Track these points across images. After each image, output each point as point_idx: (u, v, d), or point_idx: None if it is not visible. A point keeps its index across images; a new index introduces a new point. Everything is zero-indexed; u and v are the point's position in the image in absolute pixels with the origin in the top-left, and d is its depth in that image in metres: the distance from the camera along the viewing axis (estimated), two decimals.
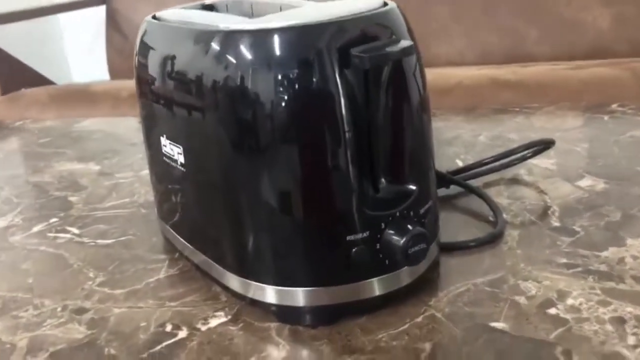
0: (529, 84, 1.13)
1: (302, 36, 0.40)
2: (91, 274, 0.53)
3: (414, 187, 0.43)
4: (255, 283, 0.43)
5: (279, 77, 0.39)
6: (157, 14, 0.51)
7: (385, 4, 0.44)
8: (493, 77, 1.19)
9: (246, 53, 0.40)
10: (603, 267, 0.47)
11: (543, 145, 0.63)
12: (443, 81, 1.22)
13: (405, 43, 0.41)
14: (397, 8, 0.44)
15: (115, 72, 1.89)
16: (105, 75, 1.95)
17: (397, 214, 0.42)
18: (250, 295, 0.44)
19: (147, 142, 0.53)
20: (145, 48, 0.50)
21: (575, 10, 1.56)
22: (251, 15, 0.50)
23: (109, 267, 0.53)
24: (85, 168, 0.79)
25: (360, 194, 0.41)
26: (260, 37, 0.40)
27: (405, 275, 0.43)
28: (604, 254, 0.48)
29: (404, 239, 0.41)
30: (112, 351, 0.42)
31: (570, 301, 0.43)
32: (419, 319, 0.43)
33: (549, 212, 0.56)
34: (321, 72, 0.39)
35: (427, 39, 1.64)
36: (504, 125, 0.81)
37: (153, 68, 0.48)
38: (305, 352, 0.41)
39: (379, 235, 0.41)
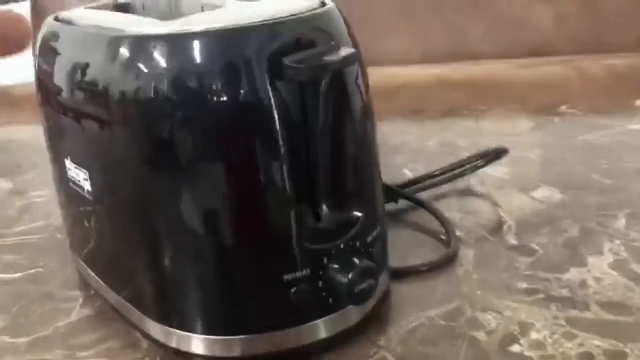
0: (475, 84, 1.10)
1: (225, 42, 0.34)
2: None
3: (359, 214, 0.38)
4: (178, 331, 0.37)
5: (198, 89, 0.33)
6: (61, 15, 0.44)
7: (323, 4, 0.39)
8: (439, 77, 1.16)
9: (160, 61, 0.34)
10: (565, 292, 0.43)
11: (495, 154, 0.59)
12: (387, 82, 1.17)
13: (346, 51, 0.35)
14: (336, 9, 0.39)
15: None
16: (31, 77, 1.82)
17: (341, 245, 0.37)
18: (173, 344, 0.38)
19: (52, 160, 0.46)
20: (46, 53, 0.43)
21: (518, 8, 1.55)
22: (169, 16, 0.43)
23: (12, 309, 0.46)
24: None
25: (299, 224, 0.35)
26: (176, 43, 0.34)
27: (353, 313, 0.38)
28: (566, 276, 0.45)
29: (349, 276, 0.35)
30: None
31: (533, 335, 0.39)
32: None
33: (505, 227, 0.52)
34: (248, 83, 0.34)
35: (372, 37, 1.60)
36: (453, 130, 0.77)
37: (54, 76, 0.41)
38: None
39: (321, 272, 0.36)
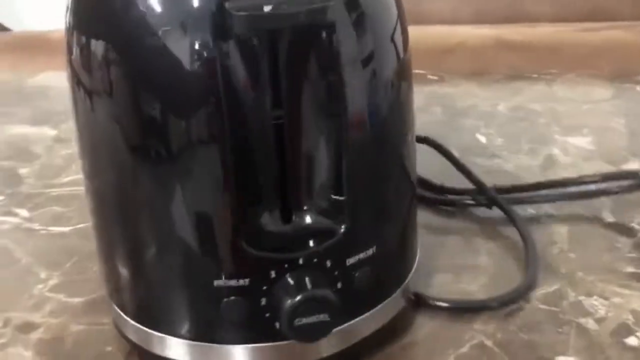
0: (538, 47, 1.04)
1: None
2: (42, 274, 0.42)
3: (341, 226, 0.29)
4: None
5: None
6: None
7: None
8: (497, 37, 1.09)
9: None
10: None
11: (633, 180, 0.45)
12: (443, 40, 1.11)
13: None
14: None
15: None
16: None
17: (300, 260, 0.28)
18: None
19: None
20: None
21: None
22: None
23: (64, 264, 0.43)
24: (39, 132, 0.67)
25: (245, 222, 0.28)
26: None
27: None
28: None
29: (289, 302, 0.27)
30: None
31: None
32: (465, 349, 0.34)
33: (598, 203, 0.47)
34: (191, 42, 0.26)
35: None
36: (524, 94, 0.71)
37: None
38: None
39: (264, 287, 0.28)
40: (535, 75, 0.77)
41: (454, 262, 0.41)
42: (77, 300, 0.39)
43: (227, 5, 0.25)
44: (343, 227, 0.29)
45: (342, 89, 0.28)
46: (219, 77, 0.26)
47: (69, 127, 0.68)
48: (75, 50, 0.29)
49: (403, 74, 0.32)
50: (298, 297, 0.27)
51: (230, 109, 0.26)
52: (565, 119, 0.63)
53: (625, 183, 0.45)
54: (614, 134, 0.60)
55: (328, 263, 0.29)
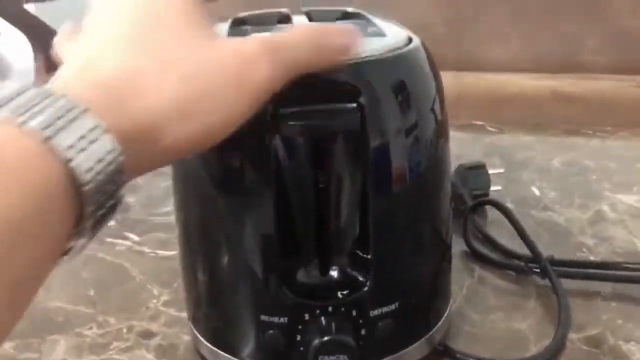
0: (593, 101, 1.09)
1: None
2: (155, 291, 0.50)
3: (366, 281, 0.34)
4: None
5: None
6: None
7: (410, 41, 0.36)
8: (554, 89, 1.15)
9: None
10: None
11: None
12: (501, 90, 1.18)
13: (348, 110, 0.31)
14: (416, 49, 0.36)
15: None
16: None
17: (329, 308, 0.34)
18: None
19: None
20: None
21: (638, 17, 1.49)
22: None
23: (172, 284, 0.51)
24: None
25: (288, 273, 0.35)
26: None
27: None
28: None
29: (315, 343, 0.33)
30: None
31: None
32: None
33: None
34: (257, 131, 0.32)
35: (479, 40, 1.58)
36: (578, 150, 0.76)
37: None
38: None
39: (300, 327, 0.35)
40: (590, 132, 0.82)
41: (494, 320, 0.45)
42: (184, 315, 0.47)
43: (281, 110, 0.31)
44: (368, 283, 0.35)
45: (371, 168, 0.33)
46: (272, 163, 0.33)
47: None
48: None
49: (439, 139, 0.36)
50: (324, 338, 0.33)
51: (280, 184, 0.33)
52: (616, 175, 0.68)
53: None
54: None
55: (353, 312, 0.34)
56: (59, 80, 0.26)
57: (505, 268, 0.51)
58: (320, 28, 0.33)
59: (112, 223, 0.61)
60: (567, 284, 0.47)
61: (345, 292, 0.35)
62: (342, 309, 0.34)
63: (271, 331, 0.35)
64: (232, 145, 0.33)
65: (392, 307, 0.35)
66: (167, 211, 0.64)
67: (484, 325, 0.45)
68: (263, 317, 0.35)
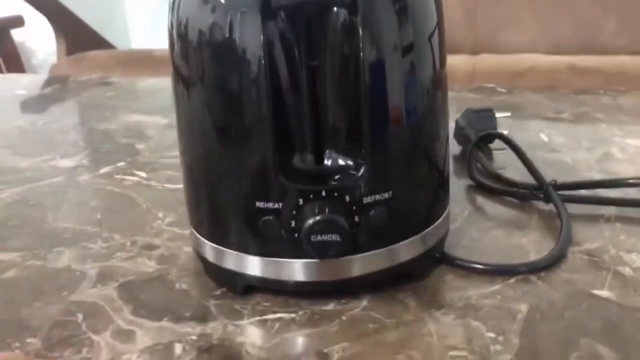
0: (609, 72, 1.07)
1: None
2: (160, 214, 0.51)
3: (360, 167, 0.35)
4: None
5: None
6: None
7: None
8: (569, 63, 1.14)
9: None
10: None
11: None
12: (515, 65, 1.17)
13: None
14: None
15: None
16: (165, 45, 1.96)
17: (323, 192, 0.35)
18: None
19: None
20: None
21: None
22: None
23: (178, 209, 0.52)
24: (152, 120, 0.78)
25: (282, 160, 0.35)
26: None
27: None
28: None
29: (309, 222, 0.34)
30: (184, 286, 0.41)
31: None
32: (512, 280, 0.39)
33: None
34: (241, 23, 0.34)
35: (496, 26, 1.58)
36: (589, 105, 0.76)
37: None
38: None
39: (294, 212, 0.35)
40: (601, 91, 0.82)
41: (494, 235, 0.46)
42: (187, 232, 0.48)
43: None
44: (362, 170, 0.35)
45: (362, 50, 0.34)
46: (265, 47, 0.33)
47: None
48: (177, 56, 0.38)
49: (440, 52, 0.37)
50: (316, 218, 0.34)
51: (273, 70, 0.34)
52: (628, 125, 0.68)
53: None
54: None
55: (347, 198, 0.35)
56: None
57: (508, 195, 0.51)
58: None
59: (121, 163, 0.63)
60: (571, 209, 0.47)
61: (338, 177, 0.35)
62: (336, 194, 0.35)
63: (267, 217, 0.36)
64: (227, 29, 0.34)
65: (385, 195, 0.36)
66: (177, 154, 0.65)
67: (483, 241, 0.45)
68: (259, 204, 0.36)
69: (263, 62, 0.34)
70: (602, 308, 0.36)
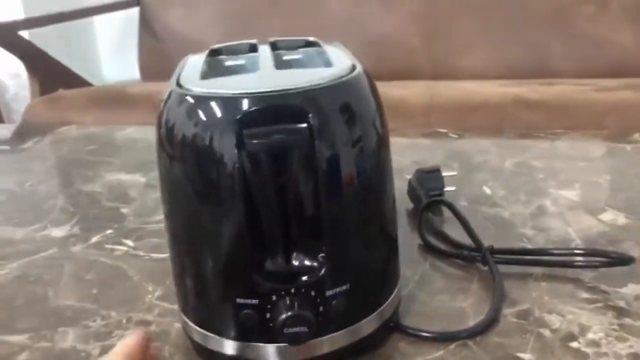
0: (553, 105, 1.17)
1: (225, 107, 0.41)
2: (150, 288, 0.58)
3: (322, 267, 0.42)
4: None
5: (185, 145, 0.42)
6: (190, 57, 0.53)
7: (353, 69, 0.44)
8: (517, 96, 1.23)
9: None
10: (622, 303, 0.51)
11: (619, 261, 0.54)
12: (470, 99, 1.26)
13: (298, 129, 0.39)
14: (358, 76, 0.43)
15: (146, 72, 1.95)
16: (136, 75, 2.01)
17: (292, 290, 0.42)
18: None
19: None
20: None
21: (600, 27, 1.58)
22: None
23: (165, 281, 0.58)
24: (132, 179, 0.84)
25: (256, 262, 0.42)
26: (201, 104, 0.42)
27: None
28: (623, 290, 0.52)
29: (281, 317, 0.41)
30: None
31: (590, 335, 0.47)
32: (452, 346, 0.47)
33: (573, 244, 0.60)
34: (221, 147, 0.41)
35: (452, 51, 1.67)
36: (530, 152, 0.85)
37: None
38: None
39: (269, 306, 0.42)
40: (542, 135, 0.91)
41: (440, 300, 0.53)
42: (175, 307, 0.54)
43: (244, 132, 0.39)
44: (323, 269, 0.42)
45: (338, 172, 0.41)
46: (240, 175, 0.40)
47: (156, 175, 0.85)
48: (165, 143, 0.44)
49: (381, 147, 0.45)
50: (287, 314, 0.41)
51: (248, 192, 0.40)
52: (561, 174, 0.77)
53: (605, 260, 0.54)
54: (599, 188, 0.73)
55: (312, 292, 0.42)
56: None
57: (454, 257, 0.59)
58: None
59: (109, 231, 0.69)
60: (505, 269, 0.55)
61: (305, 278, 0.43)
62: (303, 290, 0.42)
63: (246, 311, 0.43)
64: (207, 163, 0.41)
65: (344, 287, 0.43)
66: (159, 219, 0.72)
67: (431, 305, 0.53)
68: (239, 300, 0.43)
69: (237, 183, 0.41)
70: None
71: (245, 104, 0.40)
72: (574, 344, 0.46)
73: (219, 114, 0.41)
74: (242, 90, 0.41)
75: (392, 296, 0.48)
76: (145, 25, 1.94)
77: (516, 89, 1.29)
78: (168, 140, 0.44)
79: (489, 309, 0.50)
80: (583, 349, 0.46)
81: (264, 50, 0.51)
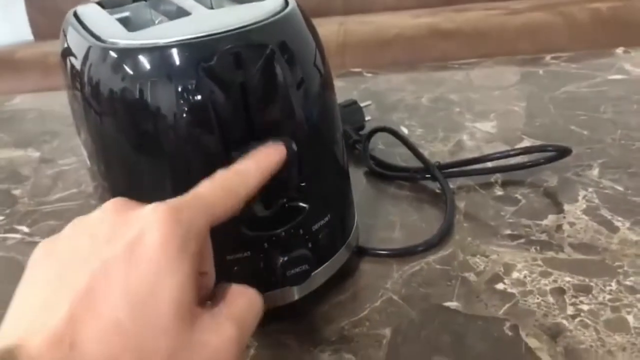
0: (467, 33, 1.15)
1: (170, 55, 0.37)
2: None
3: (304, 205, 0.41)
4: None
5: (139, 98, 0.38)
6: (78, 10, 0.47)
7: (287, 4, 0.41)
8: (431, 26, 1.20)
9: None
10: (544, 236, 0.50)
11: (560, 154, 0.56)
12: (382, 33, 1.22)
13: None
14: (292, 11, 0.41)
15: (38, 31, 1.79)
16: (28, 36, 1.84)
17: (282, 233, 0.40)
18: None
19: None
20: (66, 45, 0.45)
21: None
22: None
23: None
24: (25, 155, 0.77)
25: (242, 214, 0.38)
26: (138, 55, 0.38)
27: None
28: (544, 222, 0.52)
29: (282, 261, 0.40)
30: None
31: (515, 274, 0.46)
32: (377, 304, 0.45)
33: (492, 179, 0.59)
34: (182, 89, 0.37)
35: None
36: (445, 86, 0.82)
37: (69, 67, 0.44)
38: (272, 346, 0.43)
39: (261, 255, 0.40)
40: (457, 65, 0.88)
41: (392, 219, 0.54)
42: None
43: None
44: (307, 206, 0.41)
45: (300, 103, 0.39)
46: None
47: (51, 147, 0.78)
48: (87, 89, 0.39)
49: (326, 88, 0.43)
50: (287, 257, 0.40)
51: (230, 132, 0.37)
52: (477, 105, 0.75)
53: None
54: (515, 117, 0.71)
55: (301, 231, 0.41)
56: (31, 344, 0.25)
57: (401, 179, 0.60)
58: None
59: (0, 217, 0.62)
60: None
61: (289, 219, 0.41)
62: (292, 231, 0.41)
63: (238, 267, 0.40)
64: (153, 114, 0.37)
65: (323, 221, 0.42)
66: (57, 198, 0.65)
67: (385, 225, 0.53)
68: (229, 257, 0.39)
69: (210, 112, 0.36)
70: (451, 321, 0.43)
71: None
72: (500, 286, 0.45)
73: (156, 65, 0.37)
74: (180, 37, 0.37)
75: (355, 223, 0.48)
76: None
77: (429, 19, 1.26)
78: (110, 96, 0.38)
79: (443, 221, 0.52)
80: (509, 290, 0.45)
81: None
